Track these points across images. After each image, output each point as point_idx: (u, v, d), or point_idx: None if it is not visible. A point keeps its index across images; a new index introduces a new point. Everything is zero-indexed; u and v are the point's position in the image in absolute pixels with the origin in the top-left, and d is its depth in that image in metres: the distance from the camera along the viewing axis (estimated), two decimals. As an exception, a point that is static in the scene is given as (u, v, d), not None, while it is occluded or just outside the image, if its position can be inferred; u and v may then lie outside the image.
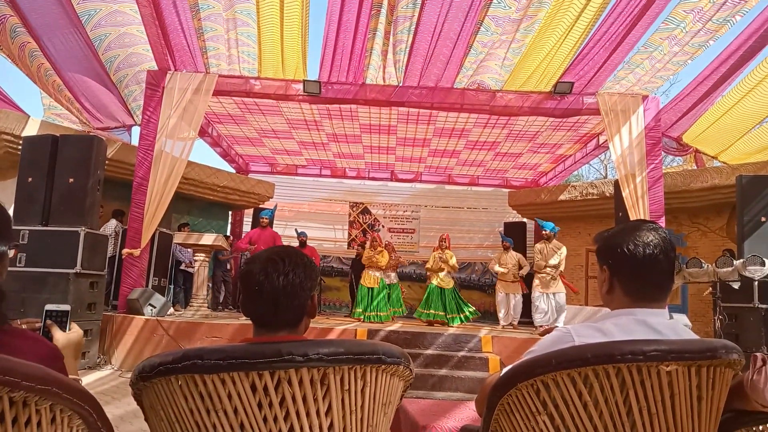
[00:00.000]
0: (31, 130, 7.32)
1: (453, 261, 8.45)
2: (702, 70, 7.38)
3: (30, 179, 6.12)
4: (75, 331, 1.33)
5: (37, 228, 5.97)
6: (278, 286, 1.24)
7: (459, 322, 8.11)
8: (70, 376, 1.21)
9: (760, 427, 1.34)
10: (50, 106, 8.97)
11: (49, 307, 1.30)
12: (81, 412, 1.03)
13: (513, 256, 8.63)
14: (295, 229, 10.06)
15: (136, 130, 9.08)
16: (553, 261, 7.85)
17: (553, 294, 7.83)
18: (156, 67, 7.79)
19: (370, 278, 8.48)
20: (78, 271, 5.88)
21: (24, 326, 1.24)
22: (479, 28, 6.73)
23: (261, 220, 8.57)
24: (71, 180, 6.08)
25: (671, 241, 1.35)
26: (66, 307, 1.31)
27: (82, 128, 8.99)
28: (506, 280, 8.51)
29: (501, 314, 8.52)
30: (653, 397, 1.15)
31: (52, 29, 6.86)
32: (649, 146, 7.65)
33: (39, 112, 8.97)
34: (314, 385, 1.09)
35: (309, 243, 9.83)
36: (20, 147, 6.52)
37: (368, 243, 9.23)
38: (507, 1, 6.33)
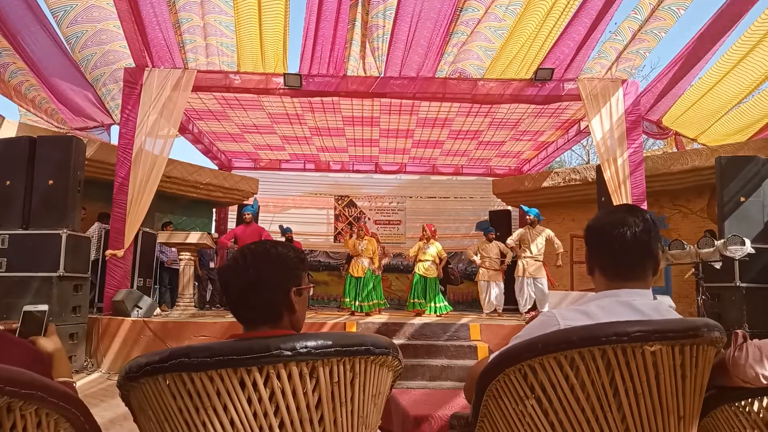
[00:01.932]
0: (8, 132, 7.17)
1: (439, 248, 8.40)
2: (678, 52, 7.45)
3: (8, 182, 6.00)
4: (52, 332, 1.31)
5: (18, 232, 5.87)
6: (241, 283, 1.24)
7: (430, 312, 8.10)
8: (65, 379, 1.20)
9: (742, 402, 1.37)
10: (27, 107, 8.77)
11: (27, 308, 1.29)
12: (68, 416, 1.02)
13: (495, 245, 8.65)
14: (279, 225, 9.99)
15: (115, 130, 8.94)
16: (537, 245, 7.90)
17: (534, 279, 7.87)
18: (133, 64, 7.68)
19: (358, 267, 8.43)
20: (61, 274, 5.80)
21: (0, 327, 1.22)
22: (459, 14, 6.71)
23: (244, 216, 8.52)
24: (51, 182, 5.97)
25: (649, 220, 1.36)
26: (44, 307, 1.30)
27: (60, 129, 8.83)
28: (488, 268, 8.54)
29: (484, 302, 8.57)
30: (638, 377, 1.17)
31: (23, 29, 6.70)
32: (629, 129, 7.73)
33: (15, 114, 8.75)
34: (303, 378, 1.09)
35: (295, 238, 9.78)
36: (-4, 150, 6.39)
37: (354, 232, 9.18)
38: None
